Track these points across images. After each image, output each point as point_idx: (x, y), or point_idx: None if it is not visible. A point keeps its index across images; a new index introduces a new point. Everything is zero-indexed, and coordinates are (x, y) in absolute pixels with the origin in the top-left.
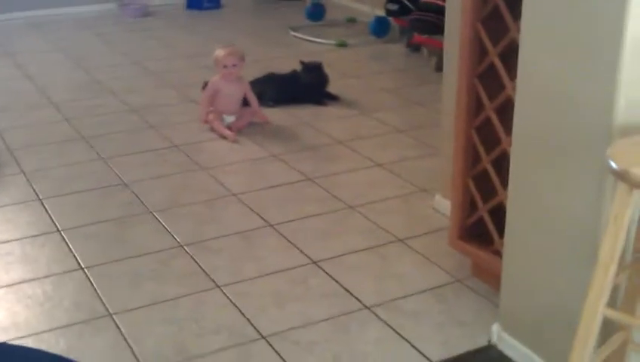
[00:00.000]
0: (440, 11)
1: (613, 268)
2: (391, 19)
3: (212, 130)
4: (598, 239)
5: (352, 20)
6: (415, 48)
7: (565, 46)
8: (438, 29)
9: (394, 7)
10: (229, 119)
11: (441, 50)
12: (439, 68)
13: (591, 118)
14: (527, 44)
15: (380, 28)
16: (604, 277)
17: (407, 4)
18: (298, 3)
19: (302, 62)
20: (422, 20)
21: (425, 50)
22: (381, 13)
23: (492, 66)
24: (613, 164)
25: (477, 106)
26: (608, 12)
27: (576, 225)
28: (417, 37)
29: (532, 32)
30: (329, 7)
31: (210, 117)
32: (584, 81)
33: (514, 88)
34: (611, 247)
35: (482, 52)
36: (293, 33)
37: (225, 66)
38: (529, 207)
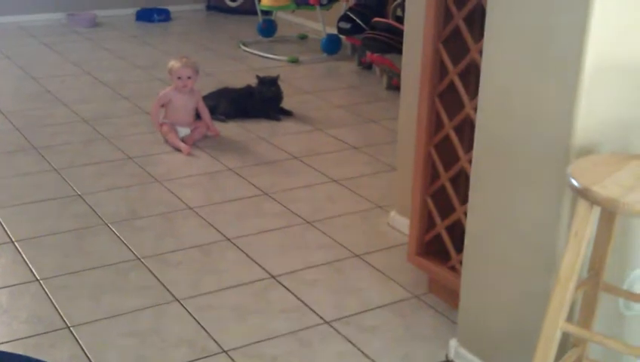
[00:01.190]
0: (392, 31)
1: (572, 284)
2: (343, 37)
3: (166, 141)
4: (556, 254)
5: (303, 37)
6: (367, 66)
7: (527, 65)
8: (390, 48)
9: (346, 25)
10: (184, 132)
11: (393, 69)
12: (390, 86)
13: (551, 136)
14: (489, 63)
15: (331, 45)
16: (564, 292)
17: (360, 23)
18: (249, 18)
19: (258, 77)
20: (375, 39)
21: (377, 69)
22: (333, 31)
23: (452, 85)
24: (574, 182)
25: (436, 124)
26: (569, 35)
27: (534, 240)
28: (370, 55)
29: (494, 51)
30: (280, 24)
31: (165, 128)
32: (545, 100)
33: (473, 107)
34: (571, 263)
35: (443, 71)
36: (244, 48)
37: (179, 78)
38: (488, 221)
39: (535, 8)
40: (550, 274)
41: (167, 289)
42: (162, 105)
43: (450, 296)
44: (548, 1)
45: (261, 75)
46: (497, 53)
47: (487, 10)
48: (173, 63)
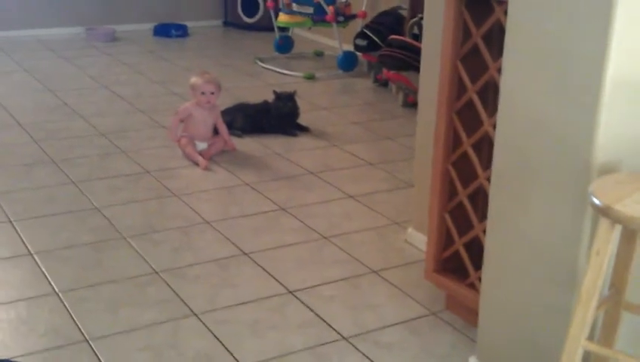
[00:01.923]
0: (409, 49)
1: (594, 303)
2: (359, 54)
3: (184, 154)
4: (577, 271)
5: (319, 54)
6: (382, 83)
7: (546, 83)
8: (406, 65)
9: (363, 42)
10: (201, 146)
11: (409, 86)
12: (406, 103)
13: (571, 154)
14: (508, 81)
15: (347, 62)
16: (586, 311)
17: (376, 40)
18: (266, 34)
19: (274, 92)
20: (391, 57)
21: (392, 86)
22: (349, 48)
23: (470, 103)
24: (596, 201)
25: (454, 141)
26: (590, 52)
27: (554, 257)
28: (386, 72)
29: (513, 69)
30: (297, 40)
31: (183, 141)
32: (564, 117)
33: (492, 124)
34: (593, 282)
35: (461, 89)
36: (260, 64)
37: (202, 93)
38: (507, 238)
39: (555, 25)
40: (571, 291)
41: (185, 303)
42: (181, 120)
43: (468, 314)
44: (568, 18)
45: (278, 90)
46: (516, 71)
47: (506, 28)
48: (196, 79)
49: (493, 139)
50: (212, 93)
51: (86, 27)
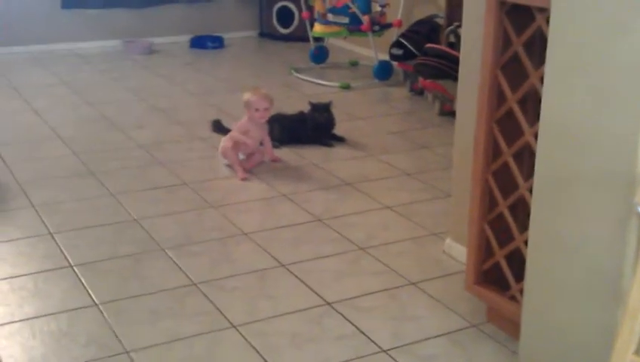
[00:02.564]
0: (444, 57)
1: None
2: (394, 63)
3: (224, 156)
4: (623, 283)
5: (354, 63)
6: (418, 92)
7: (590, 94)
8: (443, 74)
9: (398, 51)
10: (240, 156)
11: (445, 94)
12: (442, 112)
13: (615, 164)
14: (551, 91)
15: (383, 71)
16: (633, 324)
17: (412, 49)
18: (301, 45)
19: (310, 103)
20: (427, 65)
21: (428, 95)
22: (384, 57)
23: (510, 112)
24: None
25: (494, 151)
26: (634, 62)
27: (599, 269)
28: (422, 81)
29: (556, 78)
30: (332, 50)
31: (229, 144)
32: (608, 128)
33: (533, 134)
34: None
35: (501, 98)
36: (296, 74)
37: (257, 110)
38: (550, 250)
39: (598, 35)
40: (616, 304)
41: (223, 315)
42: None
43: (510, 326)
44: (611, 27)
45: (314, 101)
46: (559, 80)
47: (548, 37)
48: (251, 96)
49: (534, 149)
50: (266, 109)
51: (123, 40)
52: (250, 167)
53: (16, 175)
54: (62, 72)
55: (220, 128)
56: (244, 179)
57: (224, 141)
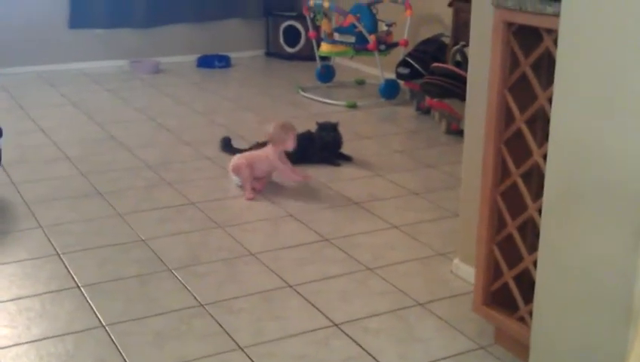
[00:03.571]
0: (451, 76)
1: None
2: (401, 82)
3: (237, 174)
4: (634, 305)
5: (361, 82)
6: (425, 111)
7: (599, 114)
8: (449, 93)
9: (405, 70)
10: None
11: (452, 113)
12: (449, 131)
13: (626, 184)
14: (560, 111)
15: (389, 90)
16: None
17: (418, 68)
18: (308, 64)
19: (317, 123)
20: (433, 84)
21: (435, 114)
22: (391, 76)
23: (519, 132)
24: None
25: (503, 171)
26: None
27: (609, 291)
28: (429, 100)
29: (565, 98)
30: (338, 69)
31: (244, 162)
32: (618, 148)
33: (541, 154)
34: None
35: (509, 118)
36: (303, 93)
37: (284, 141)
38: (559, 271)
39: (607, 55)
40: (627, 326)
41: (230, 337)
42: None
43: (518, 348)
44: (620, 48)
45: (321, 120)
46: (568, 101)
47: (557, 58)
48: (279, 129)
49: (543, 169)
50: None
51: (130, 60)
52: (260, 189)
53: (24, 195)
54: (69, 92)
55: (228, 146)
56: (250, 199)
57: (238, 158)
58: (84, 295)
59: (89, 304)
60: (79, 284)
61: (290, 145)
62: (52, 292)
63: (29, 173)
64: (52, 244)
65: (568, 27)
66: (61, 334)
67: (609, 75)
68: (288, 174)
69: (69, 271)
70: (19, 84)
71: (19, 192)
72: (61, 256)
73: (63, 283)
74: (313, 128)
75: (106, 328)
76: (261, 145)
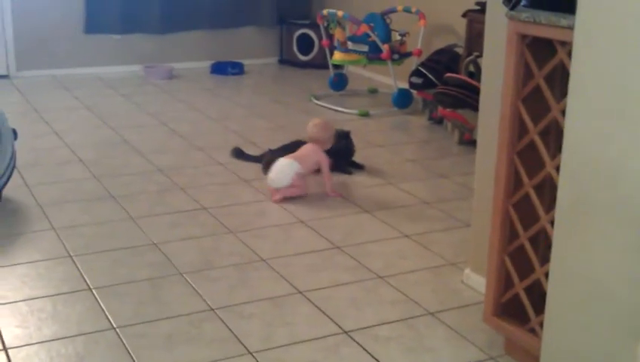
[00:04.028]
0: (464, 87)
1: None
2: (414, 91)
3: (291, 178)
4: None
5: (373, 91)
6: (437, 121)
7: (613, 126)
8: (462, 103)
9: (418, 80)
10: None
11: (465, 124)
12: (462, 141)
13: (637, 194)
14: (574, 123)
15: (402, 100)
16: None
17: (432, 78)
18: (321, 72)
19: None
20: (446, 94)
21: (448, 124)
22: (404, 85)
23: (532, 144)
24: None
25: (515, 182)
26: None
27: (620, 303)
28: (441, 110)
29: (579, 111)
30: (351, 78)
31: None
32: (631, 161)
33: (554, 166)
34: None
35: (522, 130)
36: (315, 101)
37: (325, 141)
38: (571, 283)
39: (621, 68)
40: (638, 338)
41: (240, 342)
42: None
43: (528, 359)
44: (634, 61)
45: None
46: (582, 113)
47: (571, 71)
48: (322, 131)
49: (556, 181)
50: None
51: (144, 65)
52: (290, 195)
53: (38, 197)
54: (84, 96)
55: (240, 155)
56: (276, 202)
57: (288, 158)
58: (95, 297)
59: (100, 306)
60: (91, 286)
61: (329, 145)
62: (64, 293)
63: (43, 176)
64: (64, 246)
65: (582, 40)
66: (72, 335)
67: (623, 87)
68: (329, 175)
69: (81, 273)
70: (34, 87)
71: (32, 194)
72: (73, 258)
73: (74, 285)
74: None
75: (117, 330)
76: (287, 146)
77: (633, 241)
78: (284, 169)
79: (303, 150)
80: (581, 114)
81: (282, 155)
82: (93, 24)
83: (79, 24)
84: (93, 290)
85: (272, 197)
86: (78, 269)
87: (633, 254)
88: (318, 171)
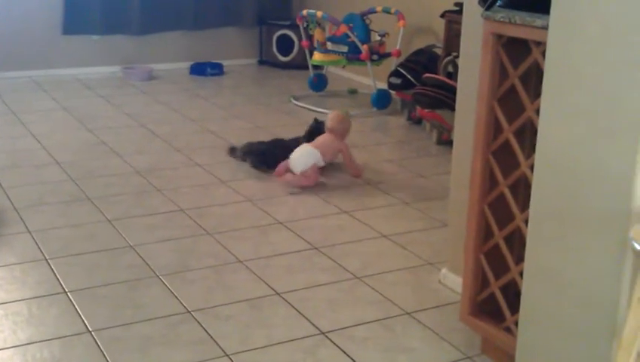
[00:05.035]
0: (443, 87)
1: (635, 350)
2: (393, 92)
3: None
4: (617, 318)
5: (353, 92)
6: (416, 121)
7: (586, 127)
8: (441, 103)
9: (397, 80)
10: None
11: (443, 124)
12: (440, 141)
13: (611, 198)
14: (547, 123)
15: (381, 100)
16: (627, 359)
17: (410, 78)
18: (300, 73)
19: (316, 120)
20: (425, 95)
21: (426, 124)
22: (383, 86)
23: (507, 143)
24: (637, 246)
25: (491, 182)
26: (630, 96)
27: (593, 303)
28: (420, 110)
29: (552, 111)
30: (331, 78)
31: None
32: (604, 162)
33: (529, 166)
34: (634, 329)
35: (497, 129)
36: (295, 102)
37: (343, 133)
38: (544, 282)
39: (594, 68)
40: (611, 338)
41: (217, 344)
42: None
43: (504, 358)
44: (608, 62)
45: (320, 119)
46: (555, 113)
47: (544, 71)
48: (340, 123)
49: (531, 180)
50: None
51: (123, 66)
52: (298, 183)
53: (13, 200)
54: (62, 98)
55: (235, 153)
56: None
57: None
58: (71, 300)
59: (76, 309)
60: (67, 289)
61: (344, 137)
62: (39, 297)
63: (19, 178)
64: (40, 249)
65: (556, 40)
66: (47, 339)
67: (596, 88)
68: (351, 158)
69: (56, 276)
70: (11, 88)
71: (8, 197)
72: (49, 261)
73: (50, 289)
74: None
75: (93, 334)
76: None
77: (607, 242)
78: (308, 153)
79: (321, 139)
80: (554, 114)
81: (260, 148)
82: (72, 25)
83: (57, 25)
84: (69, 293)
85: (277, 172)
86: (54, 272)
87: (607, 252)
88: (322, 168)
